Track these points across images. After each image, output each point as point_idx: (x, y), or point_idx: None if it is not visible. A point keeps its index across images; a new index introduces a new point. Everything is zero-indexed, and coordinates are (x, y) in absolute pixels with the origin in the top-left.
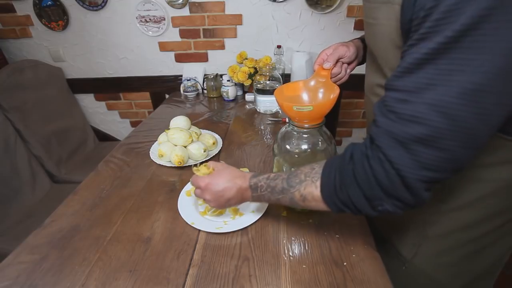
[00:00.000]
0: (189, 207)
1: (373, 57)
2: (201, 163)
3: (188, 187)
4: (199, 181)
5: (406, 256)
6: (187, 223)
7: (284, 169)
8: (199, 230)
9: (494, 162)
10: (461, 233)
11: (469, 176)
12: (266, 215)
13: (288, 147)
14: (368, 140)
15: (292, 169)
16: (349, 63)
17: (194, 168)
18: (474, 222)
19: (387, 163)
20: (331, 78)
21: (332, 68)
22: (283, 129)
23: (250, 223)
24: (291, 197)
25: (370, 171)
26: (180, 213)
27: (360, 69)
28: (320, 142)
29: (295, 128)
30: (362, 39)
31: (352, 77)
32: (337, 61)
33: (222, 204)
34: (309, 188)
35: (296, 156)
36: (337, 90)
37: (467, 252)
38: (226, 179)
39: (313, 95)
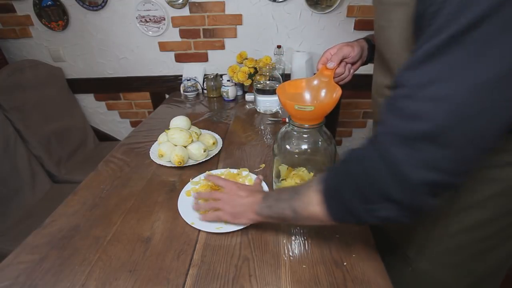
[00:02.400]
0: (189, 207)
1: (382, 59)
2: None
3: (188, 187)
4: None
5: (412, 257)
6: (187, 223)
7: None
8: (199, 230)
9: (509, 161)
10: (468, 233)
11: (481, 176)
12: None
13: (288, 147)
14: (369, 140)
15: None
16: (353, 63)
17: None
18: (482, 222)
19: (388, 160)
20: (334, 77)
21: (336, 68)
22: (283, 129)
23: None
24: (295, 206)
25: (368, 169)
26: (180, 213)
27: (361, 70)
28: (320, 142)
29: (295, 128)
30: (366, 39)
31: (354, 77)
32: (341, 61)
33: (234, 198)
34: (311, 193)
35: (296, 156)
36: (339, 91)
37: (473, 252)
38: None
39: (315, 94)
